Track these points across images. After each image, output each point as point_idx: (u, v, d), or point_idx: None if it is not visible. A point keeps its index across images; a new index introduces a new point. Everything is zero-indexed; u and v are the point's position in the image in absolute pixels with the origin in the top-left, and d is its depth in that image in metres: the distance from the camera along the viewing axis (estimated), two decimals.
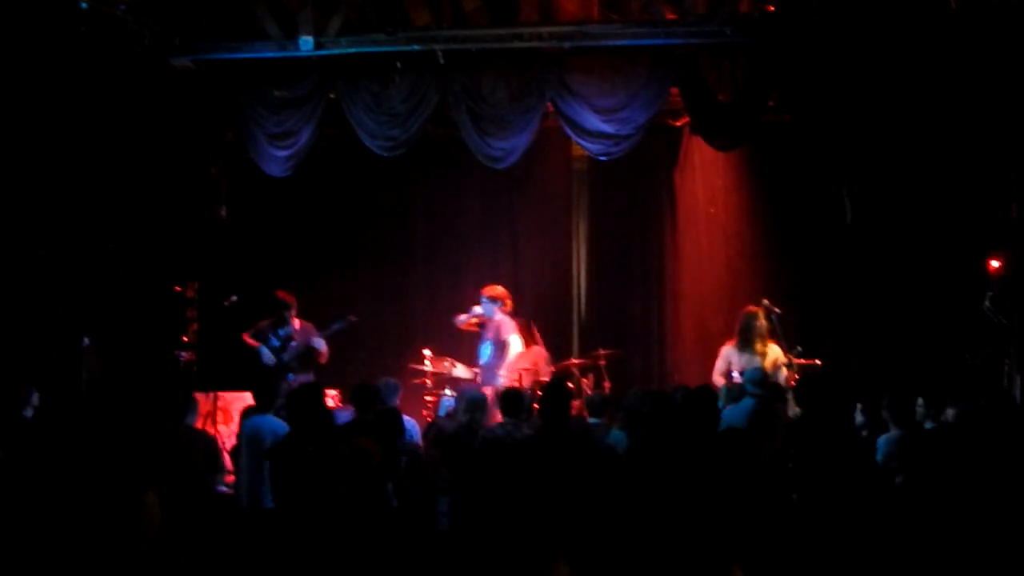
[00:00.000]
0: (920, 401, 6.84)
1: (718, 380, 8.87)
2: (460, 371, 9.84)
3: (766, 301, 9.35)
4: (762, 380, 7.35)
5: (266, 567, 5.27)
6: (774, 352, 8.85)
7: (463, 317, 9.83)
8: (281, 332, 9.40)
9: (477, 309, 9.71)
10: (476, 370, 9.81)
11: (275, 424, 6.94)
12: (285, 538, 5.60)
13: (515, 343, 9.60)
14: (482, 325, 9.77)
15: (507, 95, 9.30)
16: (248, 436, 7.03)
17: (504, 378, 9.31)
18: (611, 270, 11.07)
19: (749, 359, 8.75)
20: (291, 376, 9.15)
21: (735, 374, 8.67)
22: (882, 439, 6.35)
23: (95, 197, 9.33)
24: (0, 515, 6.13)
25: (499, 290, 9.71)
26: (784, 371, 8.77)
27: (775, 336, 8.89)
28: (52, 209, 9.06)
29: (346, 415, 7.19)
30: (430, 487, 6.92)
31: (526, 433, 6.75)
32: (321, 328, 9.46)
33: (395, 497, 6.47)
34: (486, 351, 9.68)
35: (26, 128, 8.73)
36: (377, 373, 8.48)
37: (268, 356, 9.30)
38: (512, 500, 5.37)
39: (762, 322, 8.87)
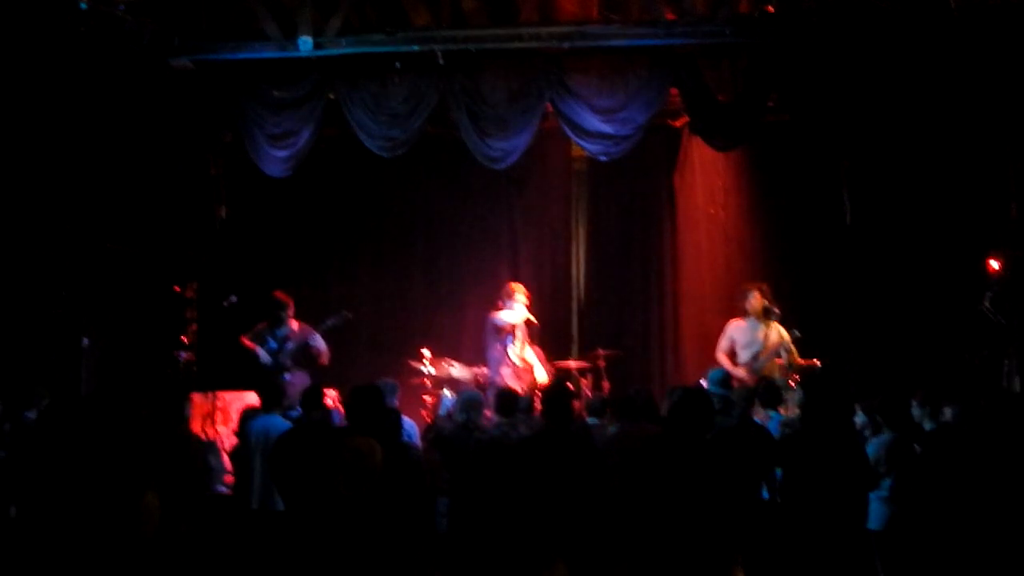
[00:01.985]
0: (917, 405, 6.84)
1: (722, 358, 9.19)
2: (459, 371, 9.84)
3: (766, 301, 9.39)
4: (724, 380, 7.36)
5: (265, 567, 5.28)
6: (777, 330, 9.14)
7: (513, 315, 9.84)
8: (278, 333, 9.37)
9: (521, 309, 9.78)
10: (483, 370, 9.85)
11: (283, 425, 6.93)
12: (284, 538, 5.60)
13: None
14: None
15: (506, 95, 9.30)
16: (257, 437, 7.01)
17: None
18: (611, 270, 11.07)
19: (753, 333, 9.13)
20: (287, 376, 9.13)
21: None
22: (873, 443, 6.35)
23: (95, 197, 9.34)
24: (1, 515, 6.14)
25: None
26: (785, 353, 9.08)
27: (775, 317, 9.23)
28: (52, 209, 9.07)
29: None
30: (429, 488, 6.91)
31: (522, 433, 6.75)
32: (316, 326, 9.45)
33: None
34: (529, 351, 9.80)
35: (26, 128, 8.73)
36: (377, 373, 8.48)
37: (265, 357, 9.29)
38: (512, 501, 5.37)
39: (758, 299, 9.23)
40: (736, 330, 9.31)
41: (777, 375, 8.95)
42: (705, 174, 10.75)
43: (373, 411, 5.87)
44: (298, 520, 5.56)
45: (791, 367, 9.05)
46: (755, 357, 9.11)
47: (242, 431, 7.37)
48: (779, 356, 9.09)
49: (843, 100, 8.73)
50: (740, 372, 8.98)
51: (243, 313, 9.70)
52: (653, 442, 5.70)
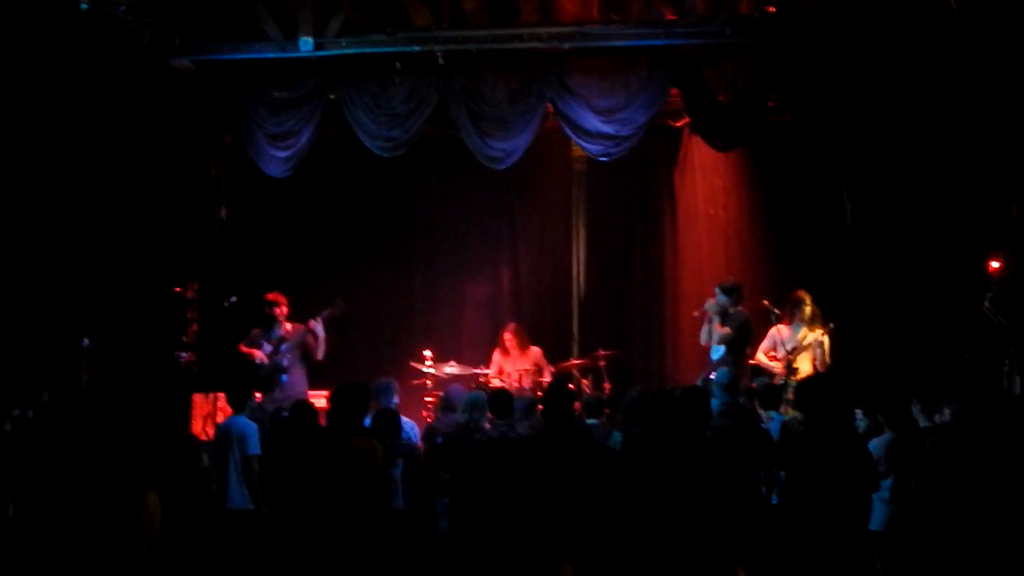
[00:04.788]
0: (916, 403, 6.84)
1: (760, 356, 9.29)
2: (458, 371, 9.86)
3: (766, 302, 9.40)
4: (730, 385, 7.36)
5: (266, 567, 5.27)
6: (817, 330, 9.14)
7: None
8: (272, 335, 9.30)
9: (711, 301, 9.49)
10: (484, 371, 9.81)
11: (243, 425, 6.96)
12: (284, 539, 5.60)
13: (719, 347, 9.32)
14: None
15: (507, 96, 9.30)
16: (217, 437, 7.08)
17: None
18: (611, 271, 11.07)
19: (795, 336, 9.12)
20: (284, 378, 9.13)
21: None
22: (873, 443, 6.35)
23: (95, 197, 9.33)
24: (1, 516, 6.14)
25: (727, 283, 9.45)
26: (824, 346, 9.06)
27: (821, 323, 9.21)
28: (52, 209, 9.06)
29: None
30: (429, 488, 6.92)
31: (520, 433, 6.75)
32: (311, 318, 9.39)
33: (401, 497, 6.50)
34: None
35: (26, 128, 8.73)
36: (377, 373, 8.48)
37: (260, 359, 9.26)
38: (516, 501, 5.37)
39: (809, 307, 9.17)
40: (778, 333, 9.26)
41: (807, 370, 9.03)
42: (705, 174, 10.75)
43: (358, 410, 5.89)
44: (300, 520, 5.56)
45: (823, 365, 9.12)
46: (790, 353, 9.10)
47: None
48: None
49: (843, 100, 8.73)
50: (776, 367, 9.12)
51: (243, 314, 9.68)
52: (654, 442, 5.71)
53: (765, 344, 9.40)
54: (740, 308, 9.31)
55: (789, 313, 9.25)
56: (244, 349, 9.35)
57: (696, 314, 9.51)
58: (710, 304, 9.37)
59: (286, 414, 7.57)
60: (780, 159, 10.21)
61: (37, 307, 9.00)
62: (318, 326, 9.23)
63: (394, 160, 9.58)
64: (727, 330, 9.16)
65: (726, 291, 9.34)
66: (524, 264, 11.16)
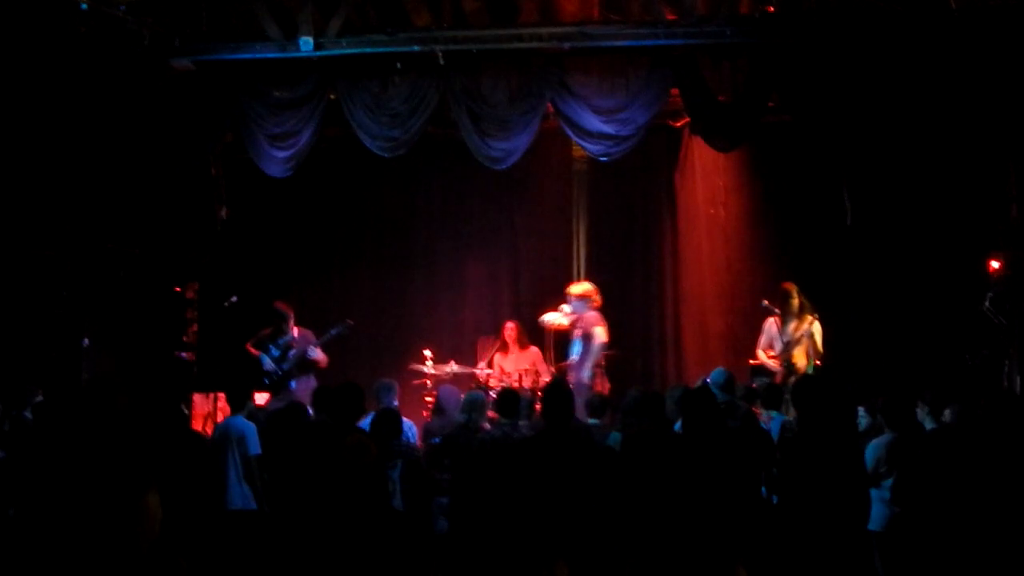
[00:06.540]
0: (922, 405, 6.82)
1: (760, 354, 9.45)
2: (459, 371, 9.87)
3: (766, 302, 9.41)
4: (727, 383, 7.35)
5: (262, 567, 5.27)
6: (808, 321, 9.29)
7: (551, 316, 9.86)
8: (280, 341, 9.42)
9: (566, 308, 9.72)
10: (484, 371, 9.90)
11: (242, 425, 6.97)
12: (282, 538, 5.60)
13: (599, 335, 9.56)
14: (574, 324, 9.75)
15: (507, 96, 9.30)
16: (216, 437, 7.09)
17: (589, 372, 9.38)
18: (611, 271, 11.06)
19: (786, 328, 9.32)
20: (292, 384, 9.19)
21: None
22: (874, 443, 6.34)
23: (95, 197, 9.34)
24: (1, 516, 6.14)
25: (586, 287, 9.75)
26: (814, 336, 9.20)
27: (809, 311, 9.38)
28: (52, 209, 9.07)
29: None
30: (428, 488, 6.91)
31: (523, 433, 6.75)
32: (319, 334, 9.47)
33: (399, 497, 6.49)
34: (575, 348, 9.69)
35: (27, 128, 8.73)
36: (377, 373, 8.48)
37: (269, 364, 9.35)
38: (513, 501, 5.37)
39: (796, 299, 9.33)
40: (772, 327, 9.46)
41: (804, 364, 9.15)
42: (705, 174, 10.75)
43: (352, 409, 5.91)
44: (295, 519, 5.56)
45: (816, 355, 9.26)
46: (784, 347, 9.27)
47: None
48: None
49: (843, 100, 8.73)
50: (774, 364, 9.25)
51: (244, 314, 9.70)
52: (657, 441, 5.71)
53: (762, 341, 9.49)
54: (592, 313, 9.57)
55: (779, 307, 9.36)
56: (251, 350, 9.43)
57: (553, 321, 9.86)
58: (559, 317, 9.74)
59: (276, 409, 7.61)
60: (780, 159, 10.21)
61: (37, 307, 9.00)
62: (316, 352, 9.35)
63: (394, 160, 9.58)
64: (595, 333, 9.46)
65: (582, 298, 9.60)
66: (524, 264, 11.16)
